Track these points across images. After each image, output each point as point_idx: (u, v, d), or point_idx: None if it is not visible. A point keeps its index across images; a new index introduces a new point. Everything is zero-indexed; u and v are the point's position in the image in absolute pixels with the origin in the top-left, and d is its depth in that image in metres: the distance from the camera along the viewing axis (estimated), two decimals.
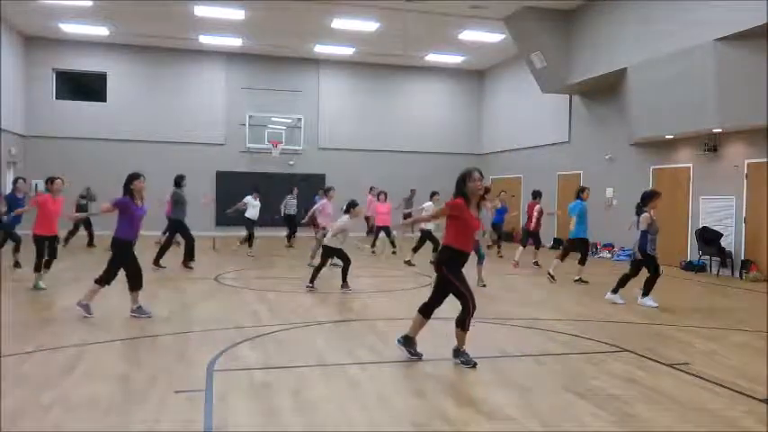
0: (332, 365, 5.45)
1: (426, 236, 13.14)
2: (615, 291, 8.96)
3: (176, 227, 12.04)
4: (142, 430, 3.92)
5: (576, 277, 10.95)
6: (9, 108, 17.53)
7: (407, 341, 5.66)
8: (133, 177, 7.35)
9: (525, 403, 4.54)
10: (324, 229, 12.27)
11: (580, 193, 11.17)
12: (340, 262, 9.80)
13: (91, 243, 15.73)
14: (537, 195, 13.46)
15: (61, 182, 9.27)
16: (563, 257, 11.16)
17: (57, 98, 20.04)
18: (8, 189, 17.87)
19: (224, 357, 5.62)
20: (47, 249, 9.23)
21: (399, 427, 4.05)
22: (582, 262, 10.98)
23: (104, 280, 7.24)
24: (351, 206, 9.76)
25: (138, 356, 5.65)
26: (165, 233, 14.77)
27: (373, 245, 15.12)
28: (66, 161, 18.41)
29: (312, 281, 9.67)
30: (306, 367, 5.39)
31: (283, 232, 17.31)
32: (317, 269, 9.80)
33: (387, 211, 15.17)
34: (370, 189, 17.74)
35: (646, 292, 8.74)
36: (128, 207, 7.25)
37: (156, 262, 11.59)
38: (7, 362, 5.23)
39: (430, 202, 12.99)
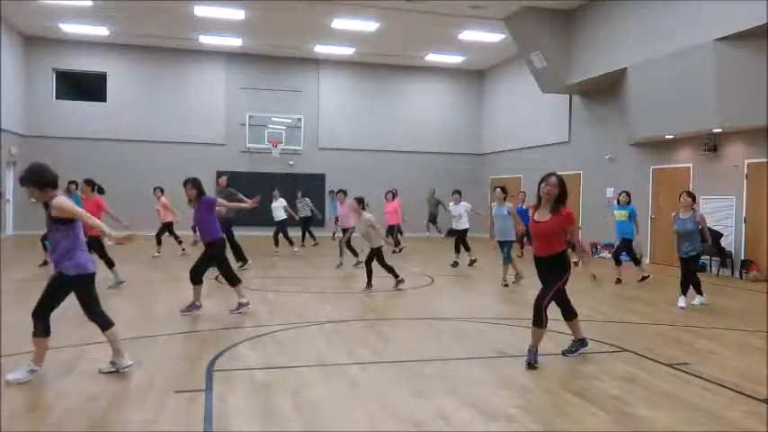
0: (332, 365, 5.45)
1: (458, 234, 13.04)
2: (684, 293, 8.78)
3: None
4: (142, 430, 3.93)
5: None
6: (9, 108, 17.53)
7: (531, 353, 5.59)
8: (184, 184, 7.82)
9: (525, 403, 4.54)
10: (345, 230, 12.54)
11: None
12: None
13: None
14: None
15: (84, 184, 9.43)
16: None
17: (57, 98, 20.03)
18: (8, 188, 17.94)
19: (224, 357, 5.62)
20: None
21: (399, 427, 4.05)
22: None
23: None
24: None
25: (138, 356, 5.64)
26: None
27: (397, 243, 15.20)
28: (67, 161, 18.36)
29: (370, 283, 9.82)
30: (306, 367, 5.40)
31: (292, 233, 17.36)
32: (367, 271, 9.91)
33: (393, 210, 15.21)
34: (390, 193, 16.21)
35: (684, 291, 8.77)
36: None
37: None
38: (7, 362, 5.23)
39: (461, 204, 13.01)
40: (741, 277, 12.18)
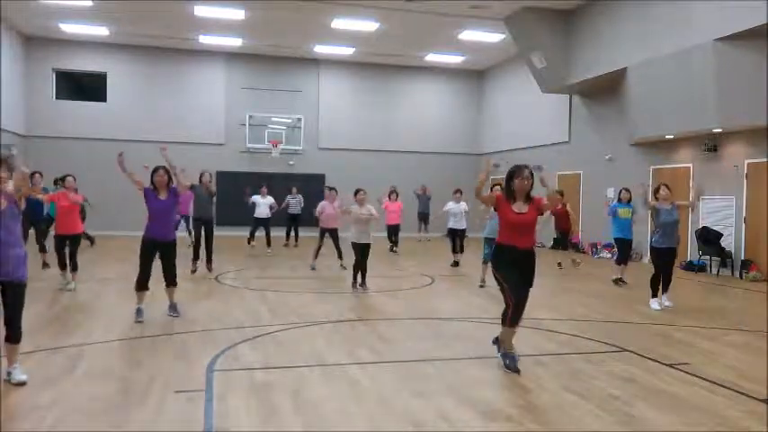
0: (332, 365, 5.45)
1: (454, 234, 13.03)
2: (654, 295, 8.72)
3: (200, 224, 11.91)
4: (142, 430, 3.93)
5: (614, 277, 10.87)
6: (9, 108, 17.52)
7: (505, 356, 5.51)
8: (153, 171, 7.41)
9: (525, 403, 4.54)
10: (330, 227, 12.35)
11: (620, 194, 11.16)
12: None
13: (91, 242, 15.69)
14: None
15: (72, 179, 9.30)
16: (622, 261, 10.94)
17: (57, 98, 20.03)
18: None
19: (224, 357, 5.62)
20: (67, 249, 9.12)
21: (399, 427, 4.05)
22: (618, 261, 10.93)
23: (137, 282, 7.24)
24: (355, 193, 9.75)
25: (138, 356, 5.65)
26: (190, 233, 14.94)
27: (394, 243, 15.21)
28: (67, 161, 18.37)
29: (355, 281, 9.68)
30: (306, 367, 5.39)
31: (281, 232, 17.36)
32: (354, 269, 9.71)
33: (396, 210, 15.18)
34: (394, 193, 16.63)
35: (654, 293, 8.67)
36: (147, 196, 7.28)
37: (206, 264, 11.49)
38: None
39: (461, 203, 12.97)
40: (741, 277, 12.17)
